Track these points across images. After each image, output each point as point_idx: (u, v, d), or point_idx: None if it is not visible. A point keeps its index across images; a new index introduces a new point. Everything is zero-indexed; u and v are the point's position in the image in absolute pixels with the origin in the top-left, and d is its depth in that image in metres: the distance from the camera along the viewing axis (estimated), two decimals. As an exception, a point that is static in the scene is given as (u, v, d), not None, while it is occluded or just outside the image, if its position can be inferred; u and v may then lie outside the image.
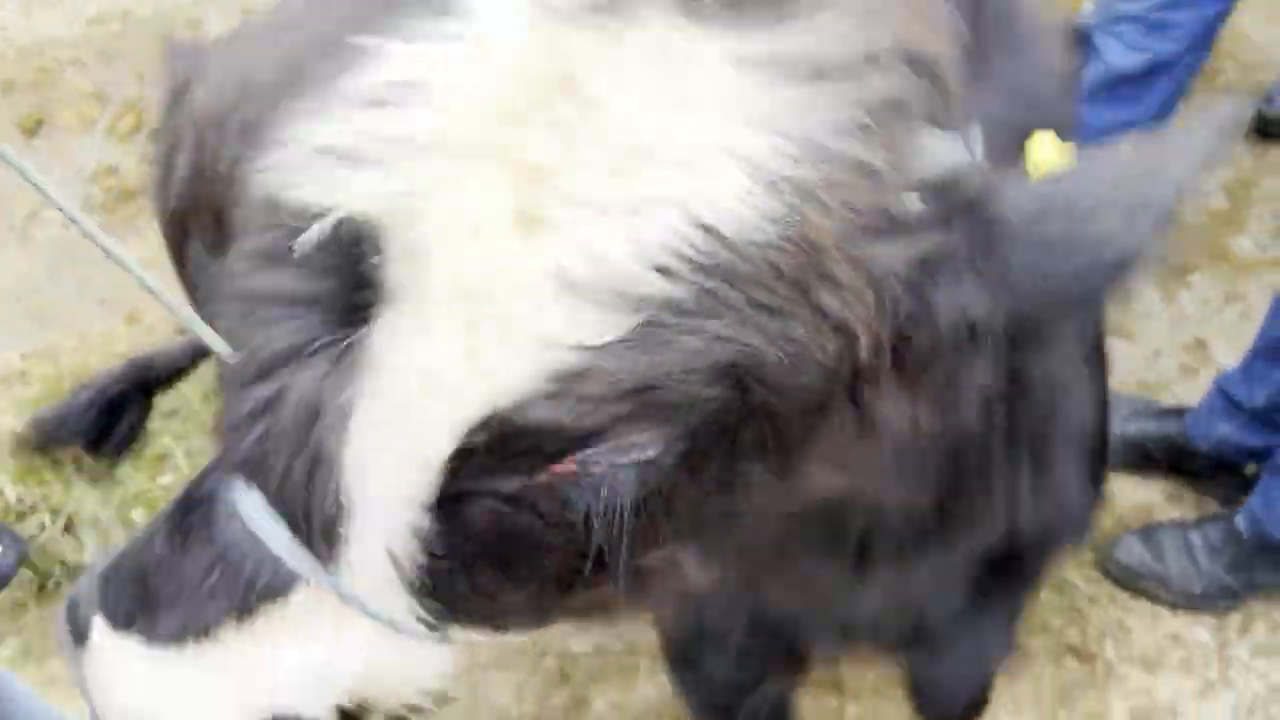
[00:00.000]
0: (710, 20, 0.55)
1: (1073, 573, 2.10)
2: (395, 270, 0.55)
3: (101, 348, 2.64)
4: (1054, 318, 0.65)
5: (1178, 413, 2.23)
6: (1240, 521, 2.03)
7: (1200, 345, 2.44)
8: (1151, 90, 2.23)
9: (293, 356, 0.57)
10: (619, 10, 0.56)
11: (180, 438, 2.45)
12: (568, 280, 0.52)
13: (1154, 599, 2.11)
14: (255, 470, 0.58)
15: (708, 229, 0.52)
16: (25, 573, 2.28)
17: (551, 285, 0.52)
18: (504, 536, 0.59)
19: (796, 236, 0.53)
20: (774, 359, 0.54)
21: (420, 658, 0.66)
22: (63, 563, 2.28)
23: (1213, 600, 2.07)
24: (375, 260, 0.55)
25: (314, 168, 0.56)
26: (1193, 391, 2.38)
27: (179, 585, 0.60)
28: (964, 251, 0.60)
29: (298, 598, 0.60)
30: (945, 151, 0.59)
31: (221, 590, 0.60)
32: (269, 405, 0.57)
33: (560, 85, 0.54)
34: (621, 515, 0.57)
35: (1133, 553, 2.11)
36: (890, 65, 0.56)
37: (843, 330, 0.56)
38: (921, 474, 0.75)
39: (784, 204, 0.52)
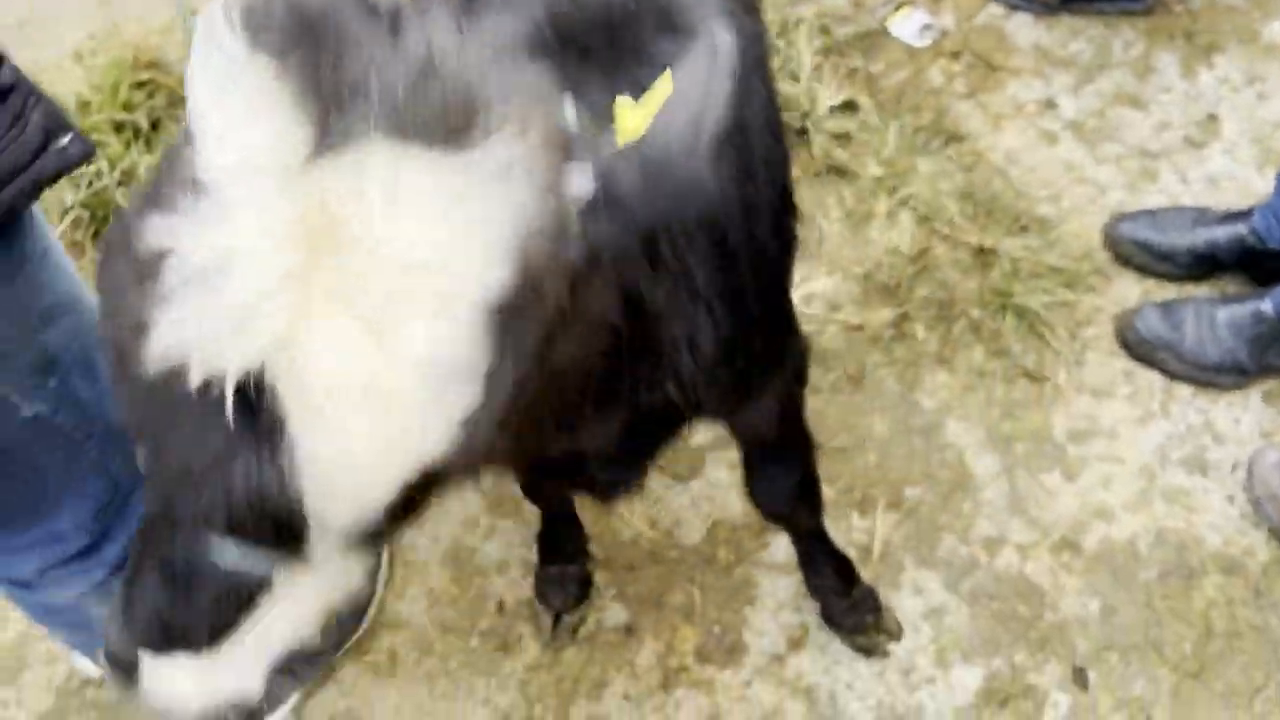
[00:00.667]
0: (416, 146, 0.73)
1: (1038, 303, 2.22)
2: (295, 399, 0.72)
3: (159, 33, 2.81)
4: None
5: (1244, 214, 2.19)
6: (1270, 303, 2.06)
7: (1212, 120, 2.48)
8: None
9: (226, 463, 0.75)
10: (349, 148, 0.71)
11: (229, 118, 2.63)
12: (420, 364, 0.72)
13: (1164, 369, 2.16)
14: (229, 529, 0.78)
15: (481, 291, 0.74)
16: (83, 215, 2.52)
17: (412, 371, 0.72)
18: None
19: (524, 267, 0.75)
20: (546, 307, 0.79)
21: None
22: (118, 210, 2.51)
23: (1223, 374, 2.11)
24: (275, 396, 0.72)
25: (185, 346, 0.71)
26: (1194, 164, 2.44)
27: (197, 614, 0.83)
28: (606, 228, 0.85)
29: (275, 592, 0.85)
30: (583, 182, 0.81)
31: (229, 606, 0.83)
32: (225, 494, 0.76)
33: (327, 229, 0.70)
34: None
35: (1151, 323, 2.16)
36: (540, 155, 0.78)
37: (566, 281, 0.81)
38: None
39: (511, 254, 0.74)
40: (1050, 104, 2.54)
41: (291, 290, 0.70)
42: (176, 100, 2.67)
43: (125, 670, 0.87)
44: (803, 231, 2.42)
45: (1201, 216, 2.26)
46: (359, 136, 0.72)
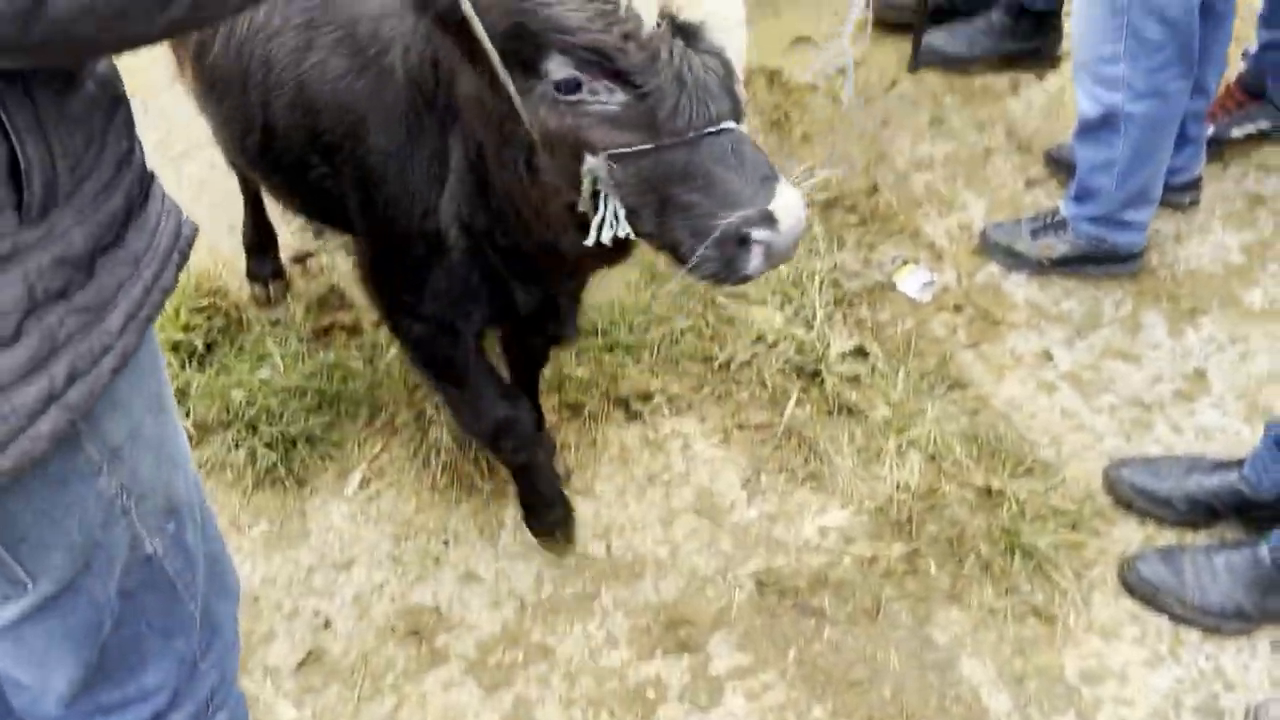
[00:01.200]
0: None
1: (1045, 543, 2.30)
2: None
3: (228, 261, 3.05)
4: None
5: (1236, 464, 2.32)
6: (1266, 549, 2.16)
7: (1200, 376, 2.65)
8: (1116, 136, 2.58)
9: None
10: None
11: (280, 342, 2.82)
12: None
13: (1169, 613, 2.22)
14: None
15: None
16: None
17: None
18: None
19: None
20: None
21: None
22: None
23: (1226, 619, 2.18)
24: None
25: None
26: (1184, 415, 2.59)
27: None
28: None
29: None
30: None
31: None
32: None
33: None
34: None
35: (1152, 567, 2.24)
36: None
37: None
38: None
39: None
40: (1047, 355, 2.72)
41: None
42: (232, 324, 2.87)
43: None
44: (816, 464, 2.54)
45: (1196, 464, 2.38)
46: None
